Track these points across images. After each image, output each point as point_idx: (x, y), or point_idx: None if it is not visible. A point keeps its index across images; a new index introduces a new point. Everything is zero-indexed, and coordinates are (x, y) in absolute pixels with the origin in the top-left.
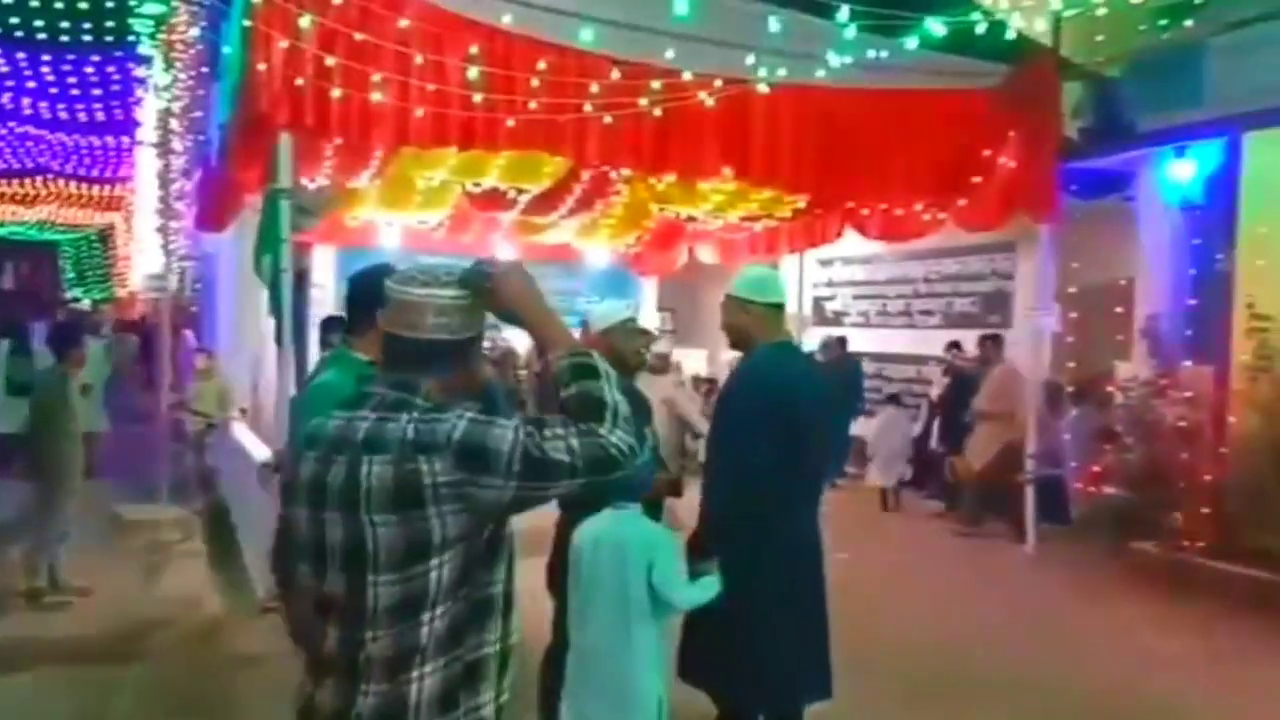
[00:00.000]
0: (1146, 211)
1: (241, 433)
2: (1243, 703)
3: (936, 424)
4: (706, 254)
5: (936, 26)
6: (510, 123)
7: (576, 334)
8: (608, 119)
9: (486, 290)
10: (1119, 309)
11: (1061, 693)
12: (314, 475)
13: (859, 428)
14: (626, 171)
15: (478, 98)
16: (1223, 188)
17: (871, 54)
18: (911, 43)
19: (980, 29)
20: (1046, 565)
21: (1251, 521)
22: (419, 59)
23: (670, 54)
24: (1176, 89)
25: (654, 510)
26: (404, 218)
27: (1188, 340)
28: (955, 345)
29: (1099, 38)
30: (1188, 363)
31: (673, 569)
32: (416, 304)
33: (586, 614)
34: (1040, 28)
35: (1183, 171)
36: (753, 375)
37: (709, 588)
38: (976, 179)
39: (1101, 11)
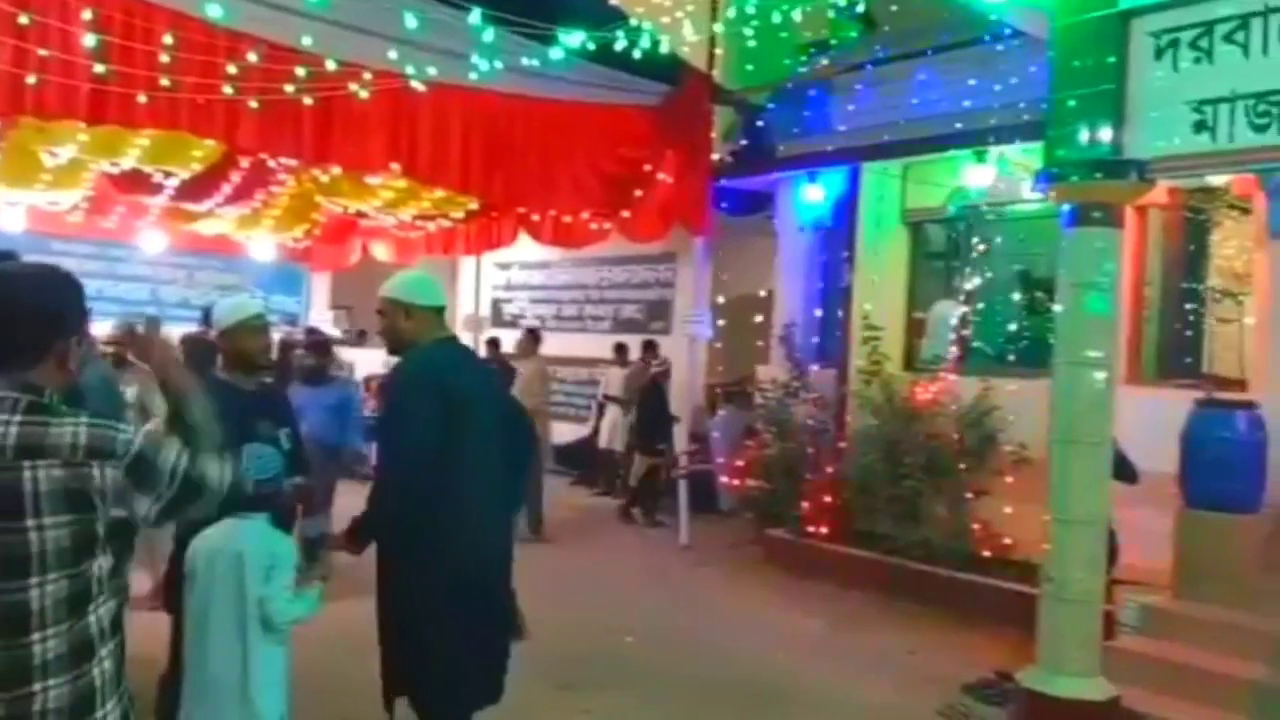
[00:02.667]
0: (784, 230)
1: None
2: (848, 668)
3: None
4: (381, 251)
5: (573, 39)
6: (143, 99)
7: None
8: (253, 103)
9: None
10: (760, 318)
11: (700, 672)
12: None
13: None
14: (290, 161)
15: (100, 68)
16: (845, 211)
17: (527, 61)
18: (556, 53)
19: (619, 46)
20: (697, 555)
21: (863, 509)
22: (24, 19)
23: (308, 40)
24: (811, 119)
25: (285, 520)
26: (30, 197)
27: (816, 347)
28: (621, 348)
29: (749, 67)
30: (816, 367)
31: (284, 586)
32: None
33: (203, 632)
34: (693, 53)
35: (814, 195)
36: (416, 370)
37: (310, 604)
38: (638, 192)
39: (751, 43)
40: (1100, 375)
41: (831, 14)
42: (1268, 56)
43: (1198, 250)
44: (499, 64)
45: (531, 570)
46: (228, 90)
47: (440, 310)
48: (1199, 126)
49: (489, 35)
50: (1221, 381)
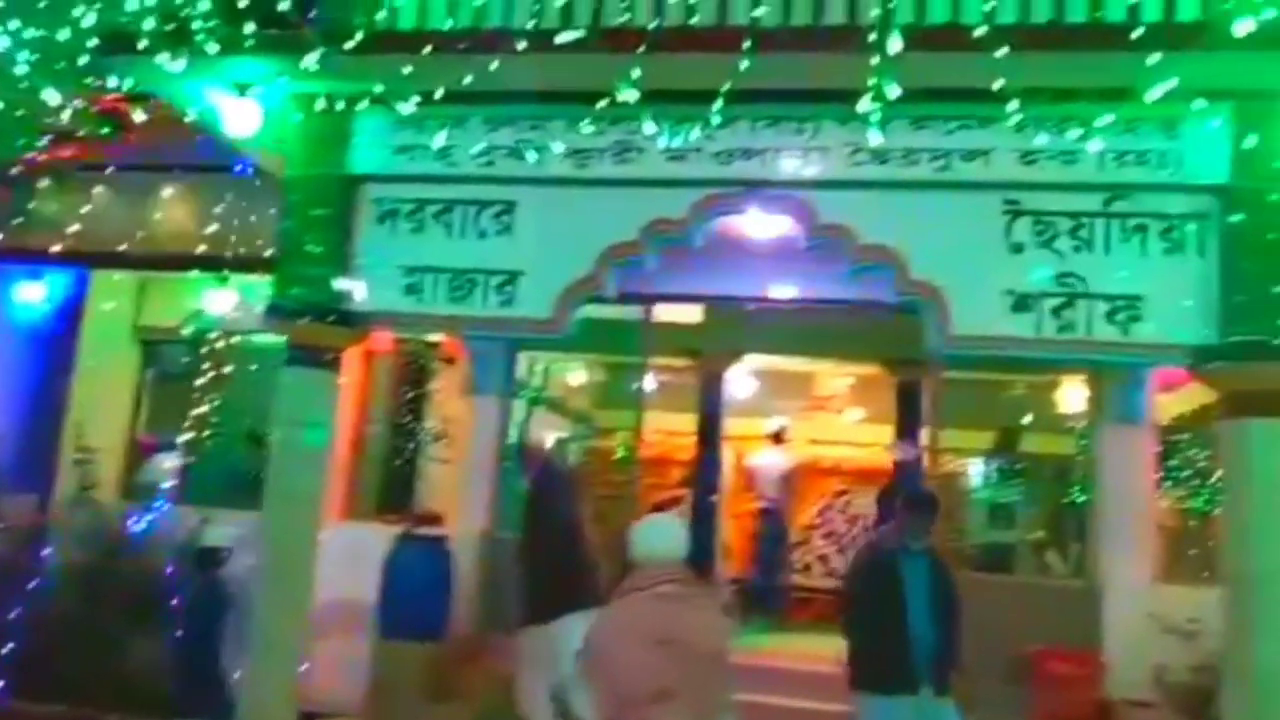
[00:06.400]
0: None
1: None
2: None
3: None
4: None
5: None
6: None
7: None
8: None
9: None
10: None
11: None
12: None
13: None
14: None
15: None
16: (68, 319)
17: None
18: None
19: None
20: None
21: (60, 653)
22: None
23: None
24: (38, 211)
25: None
26: None
27: (16, 467)
28: None
29: None
30: (15, 492)
31: None
32: None
33: None
34: None
35: (33, 294)
36: None
37: None
38: None
39: None
40: (309, 509)
41: (79, 105)
42: (465, 239)
43: (419, 395)
44: None
45: None
46: None
47: None
48: (411, 289)
49: None
50: (432, 517)
